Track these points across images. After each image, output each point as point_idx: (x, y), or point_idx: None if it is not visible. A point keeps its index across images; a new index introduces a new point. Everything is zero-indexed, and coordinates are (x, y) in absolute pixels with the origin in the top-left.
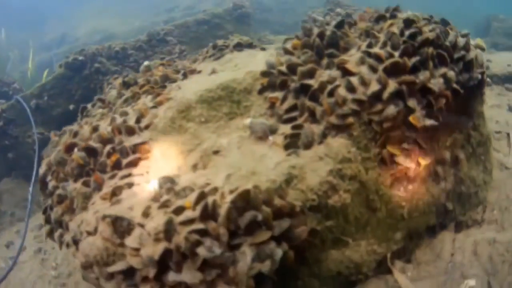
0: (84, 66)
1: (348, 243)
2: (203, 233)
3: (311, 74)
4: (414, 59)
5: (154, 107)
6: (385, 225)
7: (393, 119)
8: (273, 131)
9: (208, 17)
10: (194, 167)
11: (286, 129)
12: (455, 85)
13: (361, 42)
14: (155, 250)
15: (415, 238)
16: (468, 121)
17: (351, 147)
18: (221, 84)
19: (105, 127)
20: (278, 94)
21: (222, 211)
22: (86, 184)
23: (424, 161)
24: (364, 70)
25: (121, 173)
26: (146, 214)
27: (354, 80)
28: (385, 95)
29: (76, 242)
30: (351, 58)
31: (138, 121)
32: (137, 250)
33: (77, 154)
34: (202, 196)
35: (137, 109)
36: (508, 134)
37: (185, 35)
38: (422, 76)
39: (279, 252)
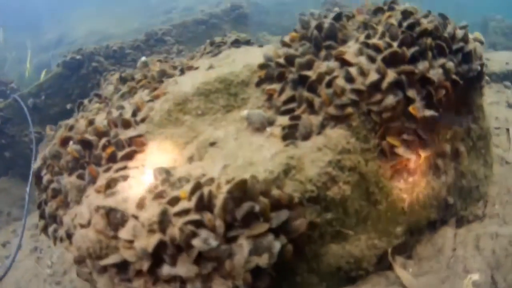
0: (81, 65)
1: (347, 237)
2: (199, 224)
3: (309, 65)
4: (413, 49)
5: (151, 100)
6: (386, 219)
7: (392, 109)
8: (270, 122)
9: (206, 17)
10: (190, 159)
11: (284, 120)
12: (454, 76)
13: (359, 34)
14: (149, 242)
15: (416, 233)
16: (468, 115)
17: (350, 138)
18: (218, 77)
19: (101, 121)
20: (276, 86)
21: (218, 201)
22: (80, 177)
23: (424, 153)
24: (362, 60)
25: (116, 166)
26: (140, 205)
27: (353, 70)
28: (384, 85)
29: (69, 236)
30: (350, 49)
31: (134, 114)
32: (130, 242)
33: (72, 147)
34: (197, 186)
35: (134, 102)
36: (507, 130)
37: (183, 35)
38: (421, 66)
39: (277, 245)
